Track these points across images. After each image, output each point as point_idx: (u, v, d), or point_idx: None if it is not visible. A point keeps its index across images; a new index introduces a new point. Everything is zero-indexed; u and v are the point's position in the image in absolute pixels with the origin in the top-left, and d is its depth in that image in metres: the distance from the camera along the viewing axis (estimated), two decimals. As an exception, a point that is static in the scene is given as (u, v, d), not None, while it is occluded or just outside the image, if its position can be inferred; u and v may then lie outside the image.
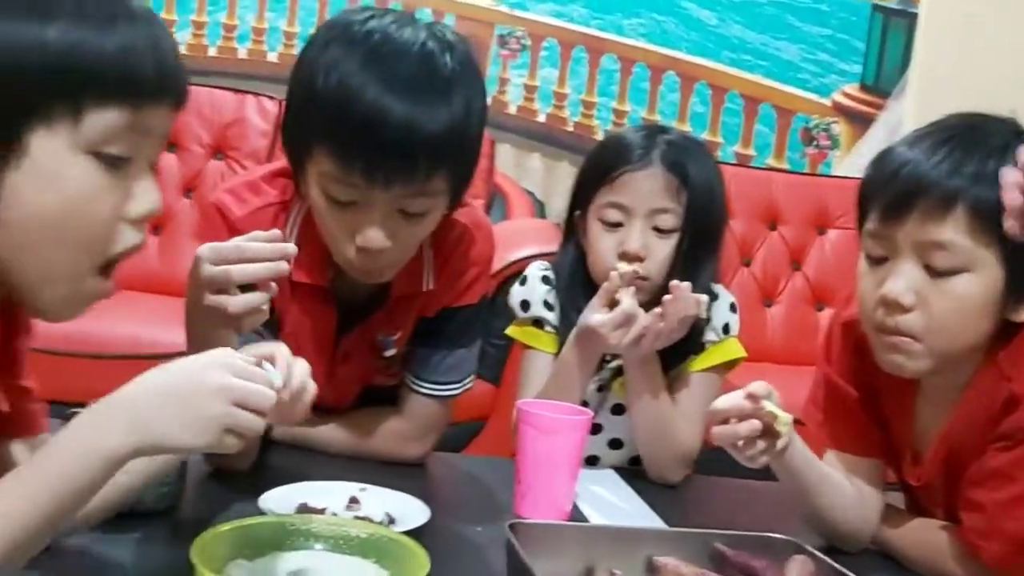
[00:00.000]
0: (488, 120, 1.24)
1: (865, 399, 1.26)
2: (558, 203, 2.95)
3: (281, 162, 1.28)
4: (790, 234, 2.86)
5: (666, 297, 1.34)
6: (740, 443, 1.08)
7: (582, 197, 1.48)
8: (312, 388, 0.86)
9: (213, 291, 1.00)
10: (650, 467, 1.46)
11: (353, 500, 1.12)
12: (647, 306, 1.36)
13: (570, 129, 3.20)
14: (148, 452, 0.76)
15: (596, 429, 1.48)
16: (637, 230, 1.42)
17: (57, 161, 0.75)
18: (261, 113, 2.75)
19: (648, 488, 1.40)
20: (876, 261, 1.14)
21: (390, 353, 1.35)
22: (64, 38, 0.73)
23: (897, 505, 1.29)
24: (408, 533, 0.94)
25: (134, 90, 0.76)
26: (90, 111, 0.75)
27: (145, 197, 0.80)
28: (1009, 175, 0.87)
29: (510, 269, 2.12)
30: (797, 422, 1.13)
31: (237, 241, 1.03)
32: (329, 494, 1.12)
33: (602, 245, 1.44)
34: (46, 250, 0.77)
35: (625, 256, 1.41)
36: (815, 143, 3.23)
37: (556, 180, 3.14)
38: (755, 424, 1.08)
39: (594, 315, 1.35)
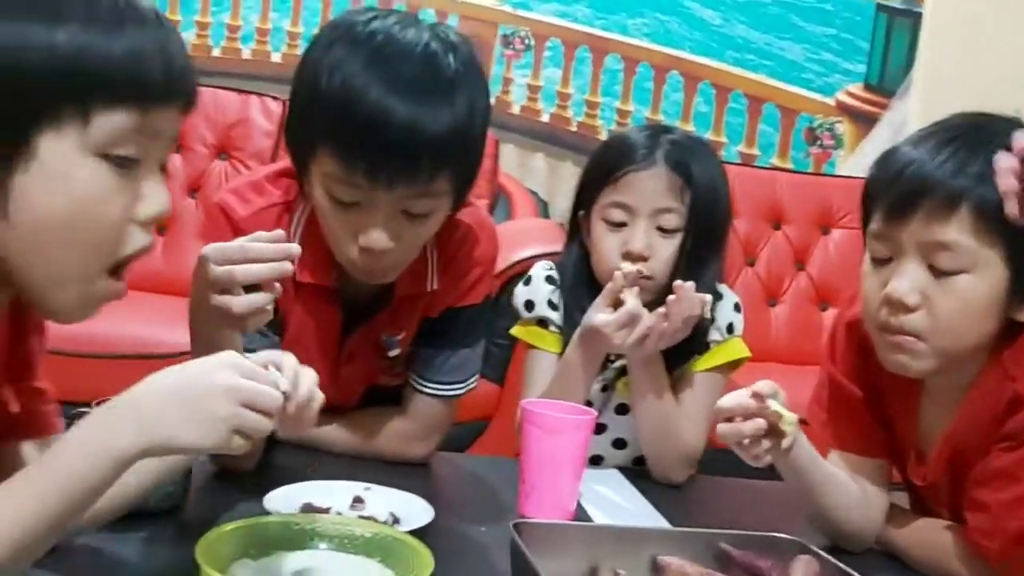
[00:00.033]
0: (492, 120, 1.24)
1: (869, 399, 1.25)
2: (562, 203, 2.95)
3: (285, 162, 1.28)
4: (794, 234, 2.86)
5: (670, 297, 1.34)
6: (745, 441, 1.08)
7: (586, 197, 1.48)
8: (320, 398, 0.87)
9: (217, 291, 1.00)
10: (654, 467, 1.45)
11: (357, 500, 1.12)
12: (651, 306, 1.36)
13: (574, 129, 3.20)
14: (157, 453, 0.76)
15: (600, 429, 1.48)
16: (641, 230, 1.42)
17: (66, 163, 0.75)
18: (265, 113, 2.76)
19: (652, 488, 1.40)
20: (880, 261, 1.14)
21: (394, 353, 1.35)
22: (73, 41, 0.74)
23: (902, 505, 1.29)
24: (412, 533, 0.94)
25: (143, 93, 0.76)
26: (99, 113, 0.75)
27: (154, 199, 0.80)
28: (1003, 160, 0.87)
29: (514, 269, 2.12)
30: (802, 421, 1.13)
31: (241, 241, 1.03)
32: (333, 494, 1.12)
33: (606, 245, 1.44)
34: (56, 252, 0.77)
35: (629, 256, 1.41)
36: (819, 143, 3.23)
37: (560, 180, 3.14)
38: (760, 423, 1.08)
39: (598, 315, 1.35)
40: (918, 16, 3.18)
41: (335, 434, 1.34)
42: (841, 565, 1.01)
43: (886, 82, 3.22)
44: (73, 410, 0.97)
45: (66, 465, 0.73)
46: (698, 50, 3.19)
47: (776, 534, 1.07)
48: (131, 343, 2.13)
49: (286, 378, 0.82)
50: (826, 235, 2.87)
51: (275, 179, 1.29)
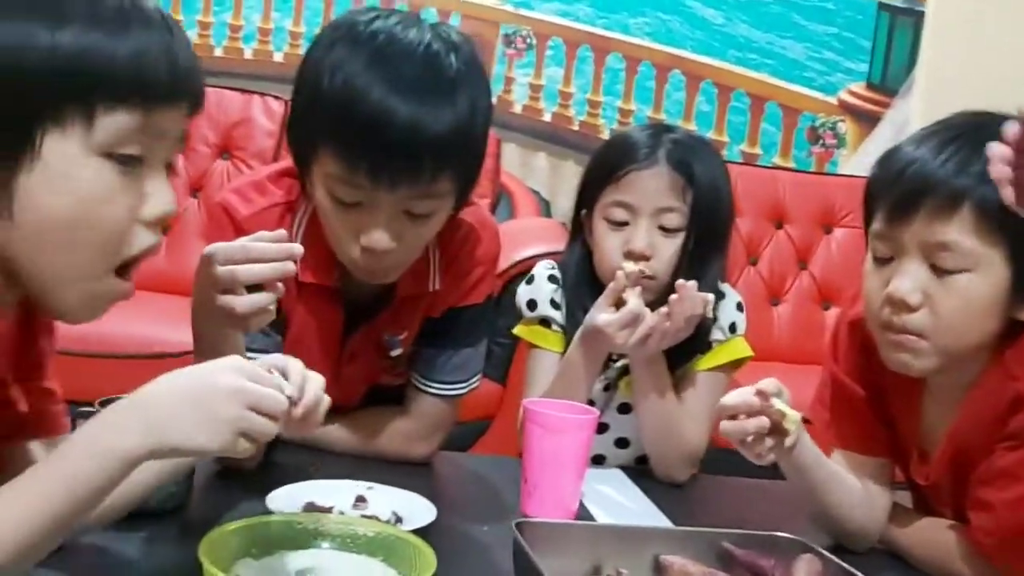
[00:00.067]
0: (493, 119, 1.24)
1: (872, 398, 1.25)
2: (564, 202, 2.95)
3: (287, 162, 1.28)
4: (796, 233, 2.86)
5: (672, 297, 1.34)
6: (748, 439, 1.08)
7: (588, 196, 1.48)
8: (327, 401, 0.87)
9: (220, 291, 1.01)
10: (657, 466, 1.45)
11: (360, 499, 1.12)
12: (653, 305, 1.36)
13: (576, 128, 3.20)
14: (163, 455, 0.76)
15: (602, 428, 1.48)
16: (643, 229, 1.42)
17: (69, 163, 0.75)
18: (267, 113, 2.76)
19: (655, 487, 1.40)
20: (882, 260, 1.14)
21: (396, 353, 1.35)
22: (76, 42, 0.74)
23: (904, 504, 1.29)
24: (415, 532, 0.94)
25: (147, 94, 0.76)
26: (102, 114, 0.75)
27: (159, 199, 0.80)
28: (995, 148, 0.87)
29: (516, 268, 2.12)
30: (805, 421, 1.13)
31: (243, 241, 1.03)
32: (336, 493, 1.12)
33: (608, 244, 1.44)
34: (61, 252, 0.77)
35: (631, 255, 1.41)
36: (821, 142, 3.23)
37: (562, 179, 3.14)
38: (763, 421, 1.08)
39: (600, 315, 1.35)
40: (920, 15, 3.18)
41: (337, 434, 1.34)
42: (844, 564, 1.01)
43: (888, 81, 3.22)
44: (76, 409, 0.97)
45: (73, 465, 0.74)
46: (700, 49, 3.19)
47: (779, 533, 1.07)
48: (134, 342, 2.13)
49: (293, 382, 0.83)
50: (828, 234, 2.87)
51: (277, 179, 1.29)
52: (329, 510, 1.08)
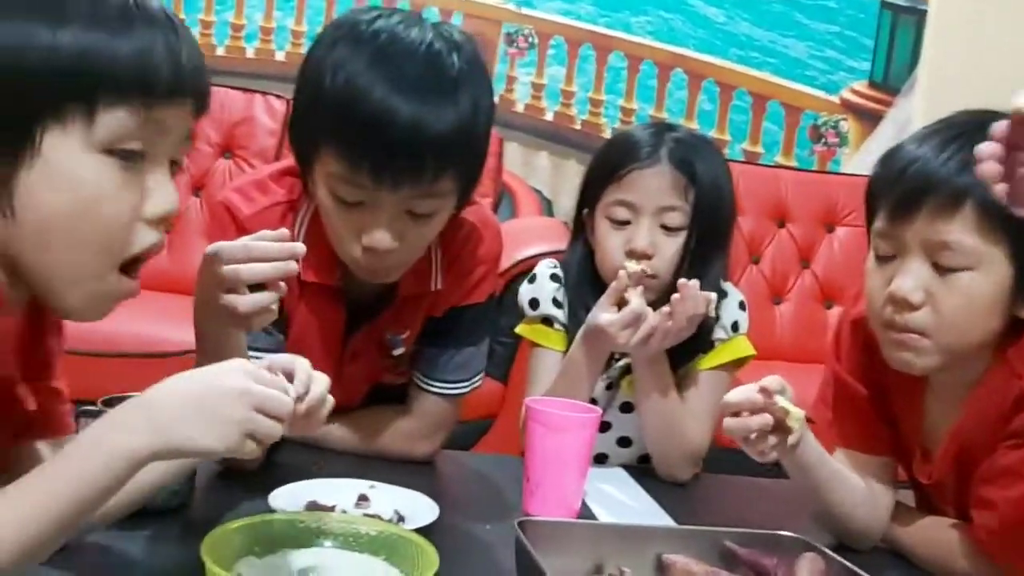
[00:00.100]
0: (495, 118, 1.24)
1: (874, 397, 1.25)
2: (566, 201, 2.95)
3: (289, 161, 1.28)
4: (799, 232, 2.86)
5: (674, 296, 1.34)
6: (751, 436, 1.08)
7: (590, 195, 1.48)
8: (331, 402, 0.87)
9: (223, 290, 1.01)
10: (659, 465, 1.45)
11: (362, 498, 1.12)
12: (655, 304, 1.36)
13: (578, 127, 3.20)
14: (169, 455, 0.76)
15: (605, 427, 1.48)
16: (645, 228, 1.41)
17: (70, 161, 0.75)
18: (269, 112, 2.76)
19: (657, 486, 1.40)
20: (884, 259, 1.14)
21: (398, 352, 1.35)
22: (77, 42, 0.74)
23: (907, 503, 1.29)
24: (417, 531, 0.94)
25: (149, 92, 0.76)
26: (103, 111, 0.75)
27: (162, 197, 0.80)
28: (985, 148, 0.87)
29: (518, 267, 2.12)
30: (808, 419, 1.13)
31: (245, 240, 1.03)
32: (338, 492, 1.12)
33: (610, 243, 1.44)
34: (63, 250, 0.77)
35: (633, 254, 1.41)
36: (823, 140, 3.22)
37: (564, 178, 3.14)
38: (767, 418, 1.08)
39: (602, 314, 1.35)
40: (923, 13, 3.17)
41: (340, 433, 1.34)
42: (846, 563, 1.01)
43: (891, 80, 3.22)
44: (79, 407, 0.97)
45: (79, 465, 0.74)
46: (702, 48, 3.18)
47: (781, 532, 1.06)
48: (136, 341, 2.14)
49: (299, 380, 0.83)
50: (831, 233, 2.87)
51: (279, 178, 1.29)
52: (331, 509, 1.08)
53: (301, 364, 0.86)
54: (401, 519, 1.08)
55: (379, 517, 1.06)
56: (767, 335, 2.65)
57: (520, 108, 3.19)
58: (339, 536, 0.91)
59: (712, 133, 3.13)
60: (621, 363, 1.48)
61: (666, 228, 1.42)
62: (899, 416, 1.25)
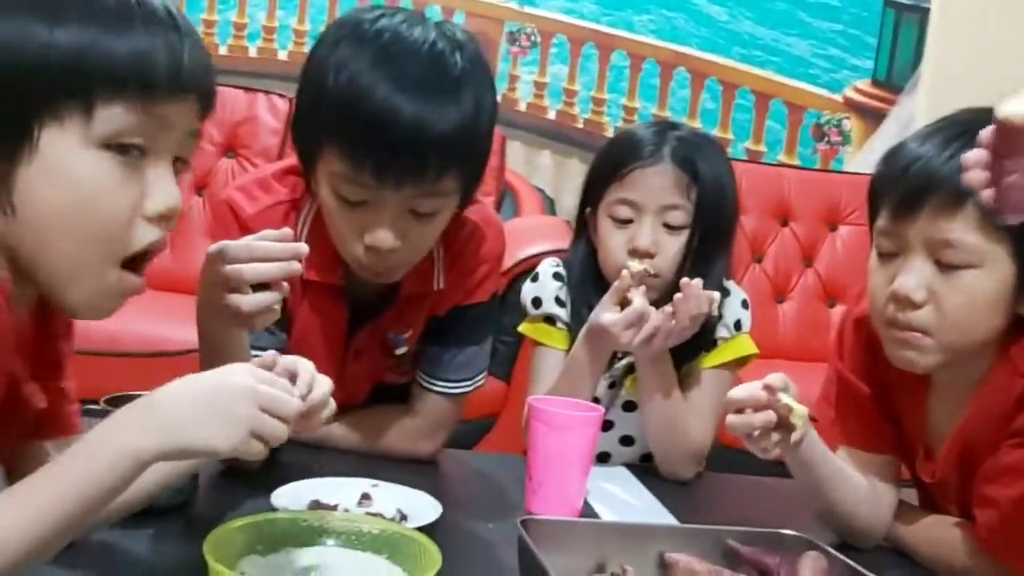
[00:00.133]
0: (498, 117, 1.24)
1: (877, 395, 1.25)
2: (568, 200, 2.95)
3: (292, 160, 1.28)
4: (801, 230, 2.86)
5: (677, 295, 1.34)
6: (755, 433, 1.08)
7: (593, 194, 1.48)
8: (333, 407, 0.87)
9: (226, 290, 1.01)
10: (662, 464, 1.45)
11: (365, 496, 1.13)
12: (658, 303, 1.36)
13: (580, 126, 3.20)
14: (175, 455, 0.76)
15: (607, 426, 1.48)
16: (647, 226, 1.41)
17: (68, 157, 0.75)
18: (272, 111, 2.76)
19: (660, 485, 1.39)
20: (887, 257, 1.14)
21: (401, 351, 1.35)
22: (74, 40, 0.74)
23: (910, 502, 1.29)
24: (420, 529, 0.94)
25: (147, 89, 0.76)
26: (101, 107, 0.75)
27: (162, 194, 0.79)
28: (971, 156, 0.88)
29: (520, 266, 2.12)
30: (811, 418, 1.13)
31: (248, 240, 1.03)
32: (341, 490, 1.12)
33: (612, 242, 1.44)
34: (63, 246, 0.77)
35: (635, 252, 1.41)
36: (826, 139, 3.22)
37: (566, 177, 3.14)
38: (770, 415, 1.08)
39: (605, 314, 1.35)
40: (926, 11, 3.17)
41: (342, 432, 1.34)
42: (849, 562, 1.00)
43: (894, 78, 3.22)
44: (83, 407, 0.97)
45: (85, 464, 0.74)
46: (705, 46, 3.18)
47: (784, 531, 1.06)
48: (139, 341, 2.14)
49: (302, 381, 0.83)
50: (834, 232, 2.87)
51: (282, 176, 1.29)
52: (334, 507, 1.08)
53: (305, 365, 0.86)
54: (404, 518, 1.08)
55: (382, 516, 1.06)
56: (770, 334, 2.65)
57: (522, 107, 3.19)
58: (342, 535, 0.91)
59: (715, 132, 3.13)
60: (624, 362, 1.48)
61: (669, 227, 1.42)
62: (902, 415, 1.25)
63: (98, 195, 0.76)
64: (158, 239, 0.80)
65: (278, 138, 2.74)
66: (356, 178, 1.14)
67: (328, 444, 1.33)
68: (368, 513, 1.07)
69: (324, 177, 1.17)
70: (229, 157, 2.74)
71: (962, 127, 1.11)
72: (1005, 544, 1.11)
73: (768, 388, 1.07)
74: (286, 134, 2.69)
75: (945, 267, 1.09)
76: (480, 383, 1.39)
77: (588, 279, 1.49)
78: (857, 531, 1.23)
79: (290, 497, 1.08)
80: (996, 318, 1.11)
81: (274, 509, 1.02)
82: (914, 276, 1.10)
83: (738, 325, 1.49)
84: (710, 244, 1.44)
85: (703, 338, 1.43)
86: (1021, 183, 0.87)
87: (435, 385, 1.36)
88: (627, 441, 1.51)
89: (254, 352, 1.13)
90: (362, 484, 1.14)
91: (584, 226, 1.52)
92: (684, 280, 1.35)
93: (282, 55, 3.14)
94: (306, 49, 1.27)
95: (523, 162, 3.15)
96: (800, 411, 1.09)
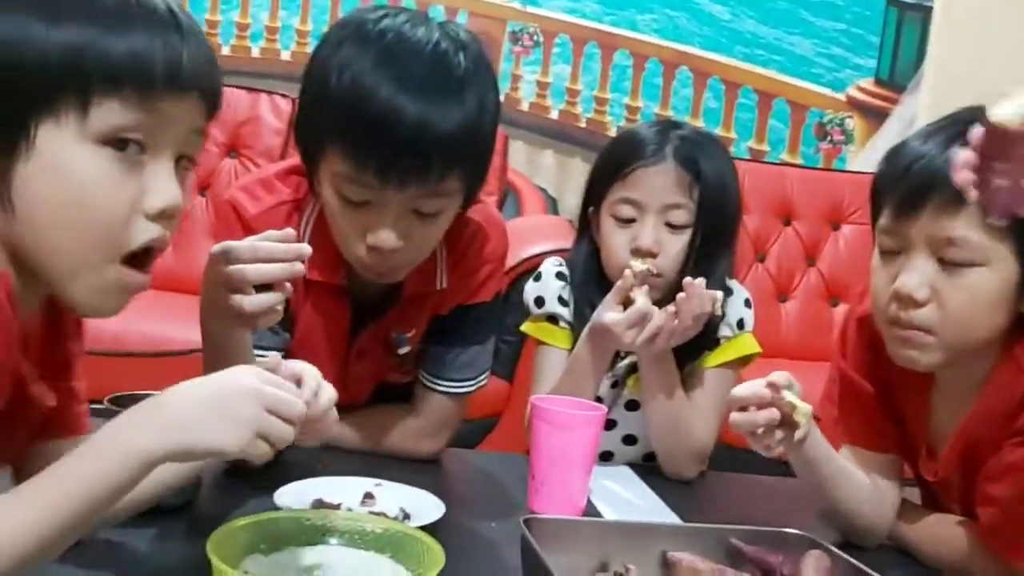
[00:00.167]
0: (500, 117, 1.23)
1: (880, 394, 1.25)
2: (571, 199, 2.95)
3: (295, 159, 1.28)
4: (804, 229, 2.86)
5: (680, 295, 1.34)
6: (758, 431, 1.08)
7: (595, 193, 1.48)
8: (335, 416, 0.87)
9: (229, 290, 1.01)
10: (665, 463, 1.45)
11: (368, 495, 1.13)
12: (661, 302, 1.36)
13: (583, 125, 3.20)
14: (182, 456, 0.76)
15: (610, 425, 1.48)
16: (650, 226, 1.41)
17: (64, 153, 0.75)
18: (274, 111, 2.77)
19: (663, 484, 1.39)
20: (889, 256, 1.14)
21: (404, 351, 1.35)
22: (69, 37, 0.74)
23: (913, 501, 1.29)
24: (423, 528, 0.94)
25: (144, 86, 0.76)
26: (97, 103, 0.75)
27: (162, 191, 0.79)
28: (960, 156, 0.88)
29: (523, 266, 2.12)
30: (814, 417, 1.13)
31: (251, 241, 1.03)
32: (344, 490, 1.12)
33: (615, 241, 1.44)
34: (61, 242, 0.77)
35: (638, 252, 1.41)
36: (829, 138, 3.22)
37: (569, 176, 3.14)
38: (774, 413, 1.08)
39: (608, 313, 1.35)
40: (928, 10, 3.17)
41: (345, 431, 1.34)
42: (852, 560, 1.00)
43: (897, 77, 3.21)
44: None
45: (93, 464, 0.74)
46: (707, 45, 3.18)
47: (787, 530, 1.06)
48: (143, 341, 2.14)
49: (308, 388, 0.83)
50: (836, 231, 2.86)
51: (285, 176, 1.29)
52: (337, 507, 1.08)
53: (310, 371, 0.86)
54: (407, 517, 1.08)
55: (385, 515, 1.07)
56: (773, 333, 2.65)
57: (525, 106, 3.19)
58: (345, 534, 0.91)
59: (718, 131, 3.13)
60: (626, 361, 1.48)
61: (671, 226, 1.42)
62: (905, 413, 1.25)
63: (95, 191, 0.76)
64: (157, 237, 0.80)
65: (281, 138, 2.74)
66: (359, 178, 1.14)
67: (331, 443, 1.33)
68: (371, 512, 1.07)
69: (327, 177, 1.18)
70: (232, 157, 2.74)
71: (964, 126, 1.10)
72: (1008, 543, 1.11)
73: (772, 386, 1.07)
74: (289, 134, 2.69)
75: (948, 265, 1.09)
76: (483, 383, 1.39)
77: (591, 278, 1.49)
78: (860, 530, 1.23)
79: (293, 496, 1.08)
80: (999, 316, 1.11)
81: (277, 508, 1.03)
82: (916, 274, 1.10)
83: (741, 324, 1.49)
84: (713, 243, 1.44)
85: (706, 337, 1.43)
86: (1009, 185, 0.87)
87: (438, 385, 1.36)
88: (630, 440, 1.52)
89: (257, 352, 1.13)
90: (365, 483, 1.15)
91: (587, 225, 1.52)
92: (687, 279, 1.35)
93: (285, 55, 3.14)
94: (309, 49, 1.27)
95: (526, 162, 3.15)
96: (804, 409, 1.09)
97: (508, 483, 1.32)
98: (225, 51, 3.12)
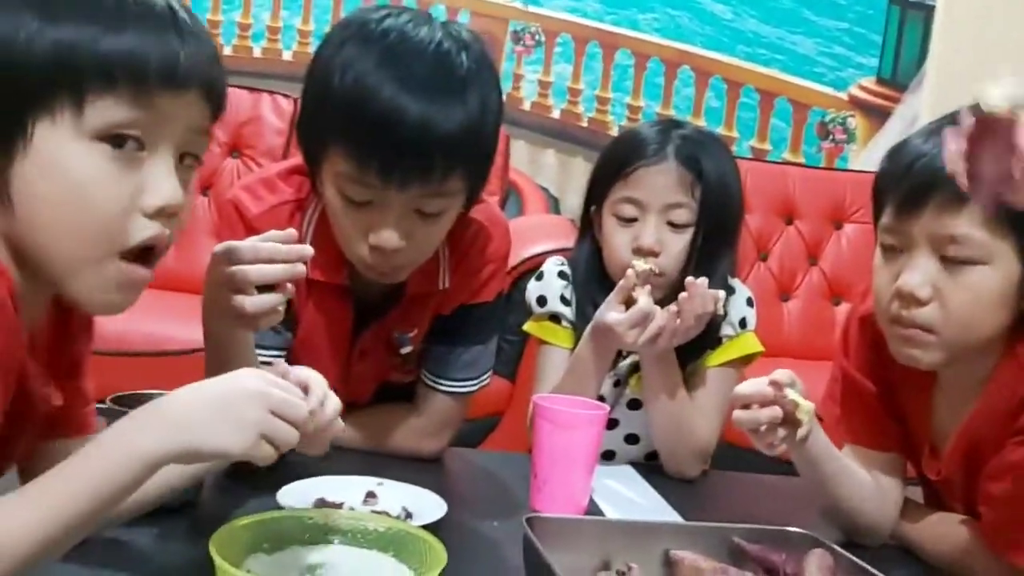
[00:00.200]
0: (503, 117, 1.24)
1: (883, 393, 1.25)
2: (572, 199, 2.95)
3: (297, 159, 1.28)
4: (806, 228, 2.85)
5: (682, 295, 1.34)
6: (761, 429, 1.08)
7: (597, 192, 1.48)
8: (340, 426, 0.87)
9: (231, 290, 1.01)
10: (667, 462, 1.45)
11: (370, 495, 1.13)
12: (663, 301, 1.36)
13: (584, 125, 3.20)
14: (186, 458, 0.77)
15: (612, 424, 1.48)
16: (651, 225, 1.41)
17: (61, 151, 0.76)
18: (276, 111, 2.77)
19: (665, 483, 1.40)
20: (892, 255, 1.14)
21: (406, 351, 1.35)
22: (64, 35, 0.74)
23: (916, 500, 1.29)
24: (425, 527, 0.94)
25: (137, 83, 0.76)
26: (92, 100, 0.75)
27: (160, 189, 0.79)
28: (952, 143, 0.88)
29: (525, 265, 2.12)
30: (816, 415, 1.13)
31: (253, 241, 1.03)
32: (346, 489, 1.12)
33: (617, 240, 1.44)
34: (59, 239, 0.77)
35: (640, 251, 1.41)
36: (831, 137, 3.22)
37: (570, 176, 3.14)
38: (777, 411, 1.08)
39: (610, 313, 1.35)
40: (931, 9, 3.16)
41: (348, 430, 1.33)
42: (855, 559, 1.00)
43: (899, 76, 3.21)
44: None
45: (98, 465, 0.74)
46: (709, 45, 3.18)
47: (790, 528, 1.06)
48: (145, 340, 2.14)
49: (315, 396, 0.83)
50: (839, 230, 2.86)
51: (287, 176, 1.29)
52: (339, 506, 1.08)
53: (318, 380, 0.86)
54: (409, 516, 1.09)
55: (387, 514, 1.07)
56: (775, 332, 2.65)
57: (527, 106, 3.19)
58: (347, 533, 0.91)
59: (719, 130, 3.13)
60: (629, 360, 1.48)
61: (673, 225, 1.42)
62: (908, 412, 1.25)
63: (91, 188, 0.76)
64: (156, 235, 0.79)
65: (282, 138, 2.74)
66: (361, 178, 1.14)
67: (334, 443, 1.32)
68: (373, 511, 1.08)
69: (329, 177, 1.18)
70: (234, 157, 2.75)
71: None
72: (1010, 541, 1.11)
73: (775, 384, 1.07)
74: (290, 134, 2.70)
75: (950, 263, 1.09)
76: (485, 382, 1.39)
77: (593, 277, 1.49)
78: (863, 528, 1.23)
79: (296, 495, 1.08)
80: (1001, 315, 1.11)
81: (280, 507, 1.03)
82: (919, 273, 1.10)
83: (743, 323, 1.49)
84: (715, 242, 1.44)
85: (708, 336, 1.43)
86: (997, 172, 0.88)
87: (441, 384, 1.36)
88: (632, 439, 1.52)
89: (259, 351, 1.13)
90: (367, 482, 1.15)
91: (589, 225, 1.52)
92: (689, 279, 1.35)
93: (286, 55, 3.14)
94: (310, 49, 1.27)
95: (527, 161, 3.15)
96: (806, 407, 1.09)
97: (510, 482, 1.32)
98: (227, 51, 3.12)
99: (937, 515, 1.24)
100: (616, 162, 1.46)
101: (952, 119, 1.13)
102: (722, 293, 1.38)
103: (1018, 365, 1.11)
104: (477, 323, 1.36)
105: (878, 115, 3.21)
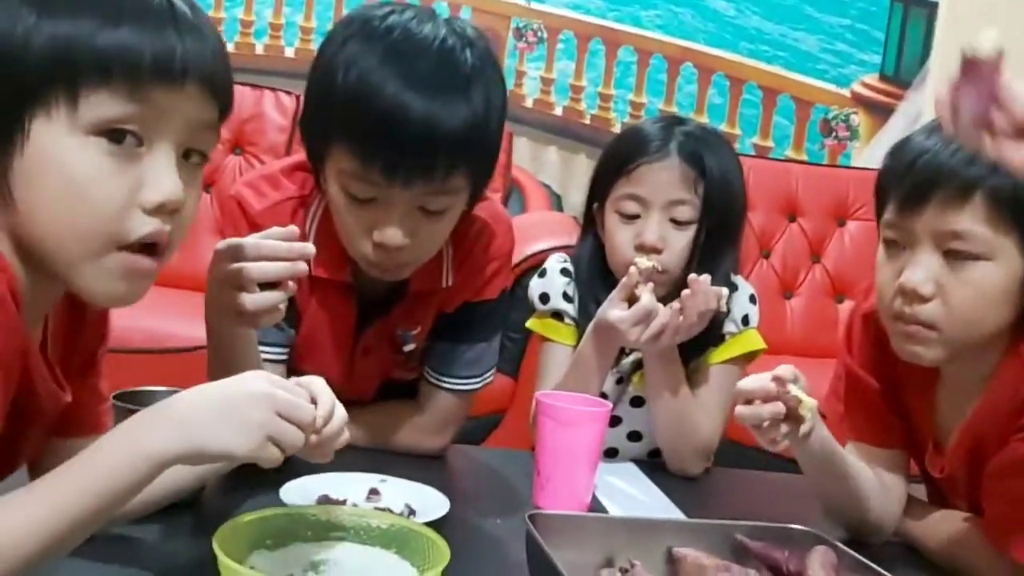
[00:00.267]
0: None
1: (886, 390, 1.25)
2: (575, 196, 2.95)
3: (300, 155, 1.28)
4: (809, 226, 2.85)
5: (685, 292, 1.34)
6: (763, 425, 1.08)
7: (600, 189, 1.48)
8: (346, 437, 0.87)
9: (233, 287, 1.01)
10: (670, 460, 1.46)
11: (373, 491, 1.13)
12: (665, 298, 1.36)
13: (587, 122, 3.20)
14: (193, 459, 0.77)
15: (615, 421, 1.48)
16: (654, 222, 1.41)
17: (57, 146, 0.75)
18: (279, 108, 2.77)
19: (667, 480, 1.40)
20: (894, 251, 1.14)
21: (409, 348, 1.35)
22: (58, 29, 0.74)
23: (919, 497, 1.29)
24: (428, 524, 0.95)
25: (132, 77, 0.76)
26: (86, 95, 0.75)
27: (159, 184, 0.78)
28: (941, 92, 0.89)
29: (528, 262, 2.12)
30: (820, 413, 1.13)
31: (255, 238, 1.03)
32: (349, 485, 1.13)
33: (619, 237, 1.44)
34: (60, 234, 0.77)
35: (642, 248, 1.41)
36: (834, 134, 3.21)
37: (573, 173, 3.14)
38: (779, 407, 1.08)
39: (613, 310, 1.35)
40: (934, 6, 3.16)
41: (351, 427, 1.33)
42: (858, 556, 1.00)
43: (901, 73, 3.21)
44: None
45: (105, 464, 0.75)
46: (712, 42, 3.18)
47: (792, 526, 1.06)
48: (147, 337, 2.14)
49: (323, 405, 0.83)
50: (841, 227, 2.86)
51: (290, 172, 1.29)
52: (343, 502, 1.08)
53: (325, 392, 0.85)
54: (412, 513, 1.09)
55: (390, 511, 1.07)
56: (778, 329, 2.65)
57: (529, 103, 3.19)
58: (350, 529, 0.91)
59: (722, 127, 3.12)
60: (631, 358, 1.48)
61: (676, 222, 1.42)
62: (911, 409, 1.25)
63: (88, 183, 0.76)
64: (156, 230, 0.79)
65: (285, 135, 2.74)
66: (365, 176, 1.14)
67: (337, 440, 1.33)
68: (376, 508, 1.08)
69: (333, 174, 1.17)
70: (236, 154, 2.74)
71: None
72: (1013, 539, 1.11)
73: (778, 379, 1.07)
74: (293, 131, 2.70)
75: (953, 260, 1.09)
76: (489, 380, 1.39)
77: (595, 275, 1.49)
78: (866, 525, 1.23)
79: (299, 492, 1.08)
80: (1004, 311, 1.10)
81: (283, 504, 1.03)
82: (921, 269, 1.10)
83: (746, 320, 1.49)
84: (717, 239, 1.44)
85: (711, 333, 1.43)
86: (976, 113, 0.90)
87: (444, 382, 1.36)
88: (635, 437, 1.52)
89: (262, 348, 1.13)
90: (371, 479, 1.15)
91: (591, 222, 1.52)
92: (692, 276, 1.35)
93: (289, 52, 3.14)
94: (313, 46, 1.27)
95: (530, 158, 3.15)
96: (809, 403, 1.09)
97: (513, 479, 1.32)
98: (229, 48, 3.10)
99: (940, 512, 1.24)
100: (619, 159, 1.46)
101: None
102: (725, 290, 1.38)
103: (1021, 362, 1.11)
104: (481, 320, 1.36)
105: (881, 112, 3.21)
